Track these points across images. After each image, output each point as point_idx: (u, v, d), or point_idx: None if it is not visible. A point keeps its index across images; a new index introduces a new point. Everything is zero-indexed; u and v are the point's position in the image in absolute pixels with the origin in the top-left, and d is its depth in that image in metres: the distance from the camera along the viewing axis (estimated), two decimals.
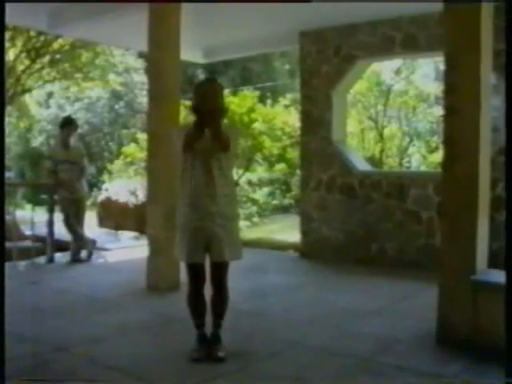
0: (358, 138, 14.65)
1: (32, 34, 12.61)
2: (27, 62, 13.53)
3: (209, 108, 3.25)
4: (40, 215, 7.46)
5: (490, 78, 3.79)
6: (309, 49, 7.02)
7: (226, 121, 3.58)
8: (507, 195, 3.23)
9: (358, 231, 6.64)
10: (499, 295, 3.10)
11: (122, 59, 17.39)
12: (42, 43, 13.12)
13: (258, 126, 11.15)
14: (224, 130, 3.30)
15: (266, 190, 11.70)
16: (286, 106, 13.78)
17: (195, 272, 3.41)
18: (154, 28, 5.28)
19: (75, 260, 6.76)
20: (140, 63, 18.16)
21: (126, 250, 7.71)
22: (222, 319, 3.49)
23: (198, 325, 3.51)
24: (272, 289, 5.36)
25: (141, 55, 16.73)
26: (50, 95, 19.41)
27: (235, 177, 9.66)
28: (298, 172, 7.93)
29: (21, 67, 13.57)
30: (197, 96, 3.35)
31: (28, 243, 6.88)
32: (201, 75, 18.26)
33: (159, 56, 5.33)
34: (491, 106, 3.85)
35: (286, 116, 12.59)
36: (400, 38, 6.32)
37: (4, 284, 2.84)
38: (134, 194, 9.80)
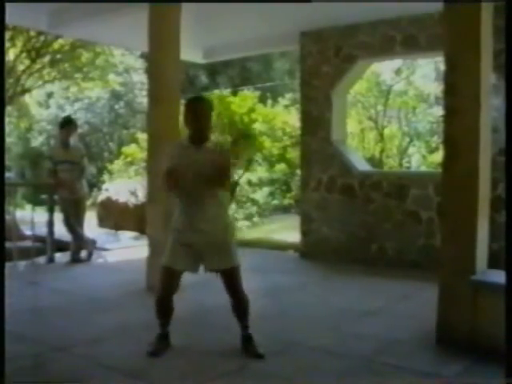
0: (358, 138, 14.64)
1: (32, 34, 12.62)
2: (27, 62, 13.53)
3: (200, 127, 3.43)
4: (40, 215, 7.46)
5: (489, 78, 3.79)
6: (309, 49, 7.02)
7: (216, 139, 3.76)
8: (507, 195, 3.23)
9: (358, 231, 6.64)
10: (499, 295, 3.10)
11: (121, 59, 17.39)
12: (42, 43, 13.13)
13: (257, 126, 11.14)
14: (216, 150, 3.45)
15: (266, 190, 11.70)
16: (286, 106, 13.78)
17: (170, 276, 3.46)
18: (154, 28, 5.28)
19: (75, 260, 6.76)
20: (140, 63, 18.16)
21: (126, 250, 7.71)
22: (247, 320, 3.57)
23: (163, 324, 3.59)
24: (272, 289, 5.36)
25: (141, 55, 16.73)
26: (49, 95, 19.40)
27: (236, 177, 9.67)
28: (298, 172, 7.93)
29: (21, 67, 13.57)
30: (188, 114, 3.46)
31: (28, 243, 6.86)
32: (202, 76, 18.28)
33: (159, 56, 5.33)
34: (491, 106, 3.85)
35: (286, 116, 12.58)
36: (400, 38, 6.32)
37: (4, 284, 2.84)
38: (133, 194, 9.80)
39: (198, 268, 3.51)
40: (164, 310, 3.57)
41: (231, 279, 3.50)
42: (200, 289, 4.97)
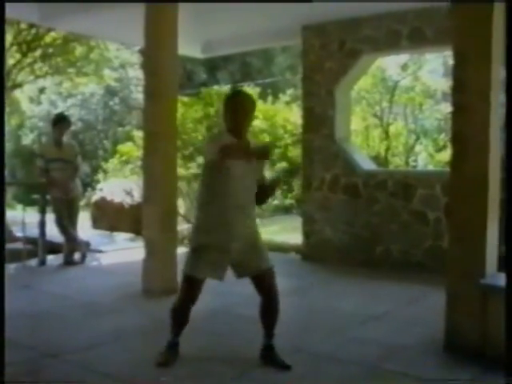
0: (363, 135, 14.62)
1: (23, 26, 12.59)
2: (18, 56, 13.52)
3: (238, 125, 3.35)
4: (31, 216, 7.45)
5: (500, 74, 3.79)
6: (311, 43, 7.02)
7: (254, 140, 3.65)
8: (507, 196, 3.24)
9: (363, 233, 6.64)
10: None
11: (117, 54, 17.38)
12: (33, 36, 13.10)
13: (258, 123, 11.14)
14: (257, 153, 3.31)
15: None
16: (288, 103, 13.78)
17: (192, 285, 3.41)
18: (151, 21, 5.28)
19: (68, 263, 6.76)
20: (136, 58, 18.17)
21: (121, 252, 7.71)
22: (274, 329, 3.52)
23: (177, 334, 3.55)
24: None
25: (138, 50, 16.73)
26: (41, 91, 19.41)
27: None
28: (300, 171, 7.92)
29: (11, 61, 13.56)
30: (227, 110, 3.39)
31: (19, 245, 6.86)
32: (200, 72, 18.28)
33: (156, 50, 5.33)
34: (501, 103, 3.85)
35: (288, 113, 12.58)
36: (406, 32, 6.32)
37: (4, 286, 2.85)
38: (129, 193, 9.79)
39: (224, 275, 3.42)
40: (180, 320, 3.53)
41: (269, 280, 3.45)
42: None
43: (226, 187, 3.30)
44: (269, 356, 3.48)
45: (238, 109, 3.35)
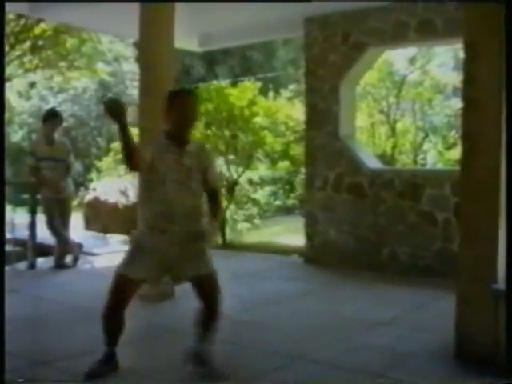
0: (368, 132, 14.63)
1: (10, 16, 12.58)
2: (6, 48, 13.52)
3: (187, 127, 3.37)
4: (21, 216, 7.45)
5: None
6: (315, 36, 7.02)
7: (195, 140, 3.66)
8: (507, 196, 3.23)
9: (368, 234, 6.64)
10: None
11: (110, 47, 17.41)
12: (21, 27, 13.10)
13: (259, 120, 11.14)
14: (196, 151, 3.36)
15: (267, 189, 11.70)
16: (290, 99, 13.79)
17: (125, 285, 3.32)
18: (146, 13, 5.27)
19: (59, 266, 6.76)
20: (131, 51, 18.18)
21: (115, 255, 7.66)
22: (206, 338, 3.44)
23: (110, 343, 3.43)
24: (274, 297, 5.36)
25: (133, 43, 16.75)
26: (31, 85, 19.43)
27: (234, 175, 9.68)
28: (303, 170, 7.93)
29: None
30: (173, 110, 3.35)
31: (7, 247, 6.86)
32: (198, 66, 18.29)
33: (151, 44, 5.32)
34: None
35: (290, 109, 12.58)
36: (414, 24, 6.31)
37: (4, 287, 2.86)
38: (124, 193, 9.80)
39: (162, 278, 3.43)
40: (113, 325, 3.41)
41: (210, 286, 3.36)
42: (193, 297, 4.96)
43: (158, 191, 3.27)
44: (208, 362, 3.38)
45: (185, 110, 3.31)
